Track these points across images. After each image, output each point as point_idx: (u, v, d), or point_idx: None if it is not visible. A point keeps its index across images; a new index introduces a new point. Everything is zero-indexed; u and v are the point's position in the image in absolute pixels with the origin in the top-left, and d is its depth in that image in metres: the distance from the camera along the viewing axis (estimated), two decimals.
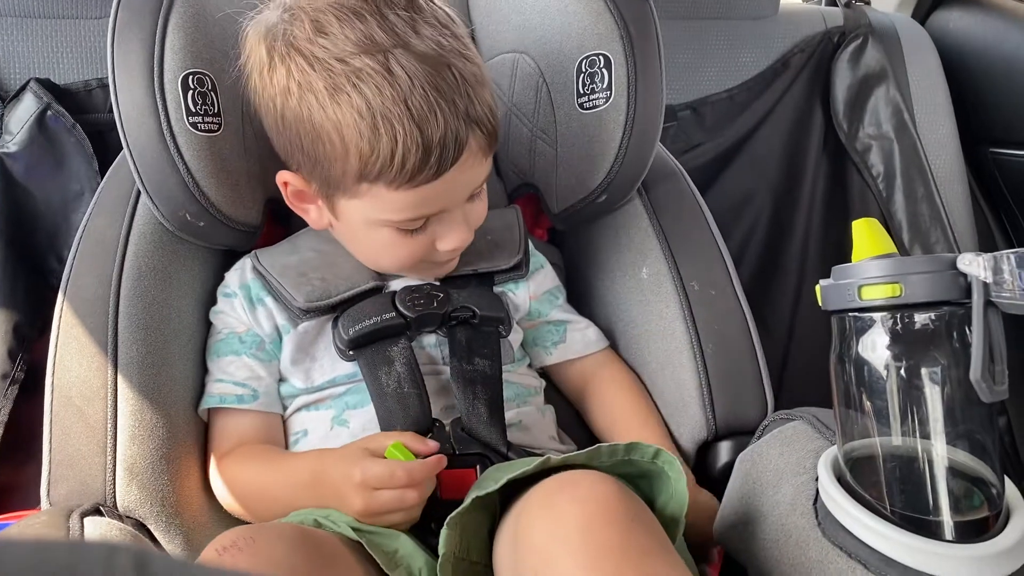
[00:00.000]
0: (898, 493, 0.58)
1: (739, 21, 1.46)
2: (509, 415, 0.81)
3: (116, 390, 0.78)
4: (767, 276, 1.44)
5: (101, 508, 0.74)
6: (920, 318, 0.58)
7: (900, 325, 0.58)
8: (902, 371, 0.58)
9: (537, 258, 0.96)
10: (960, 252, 0.57)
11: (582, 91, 0.93)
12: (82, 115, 1.11)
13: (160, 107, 0.79)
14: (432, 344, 0.85)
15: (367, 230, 0.80)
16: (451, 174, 0.73)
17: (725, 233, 0.97)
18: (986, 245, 1.50)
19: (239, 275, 0.88)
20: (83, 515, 0.70)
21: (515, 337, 0.90)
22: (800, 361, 1.42)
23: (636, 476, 0.66)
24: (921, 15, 1.59)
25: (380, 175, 0.72)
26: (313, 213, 0.84)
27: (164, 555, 0.20)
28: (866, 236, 0.62)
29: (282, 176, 0.82)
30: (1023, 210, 1.47)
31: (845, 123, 1.45)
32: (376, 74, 0.70)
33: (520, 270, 0.91)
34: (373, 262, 0.86)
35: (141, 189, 0.83)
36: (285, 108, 0.75)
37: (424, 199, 0.75)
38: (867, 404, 0.60)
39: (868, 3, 1.57)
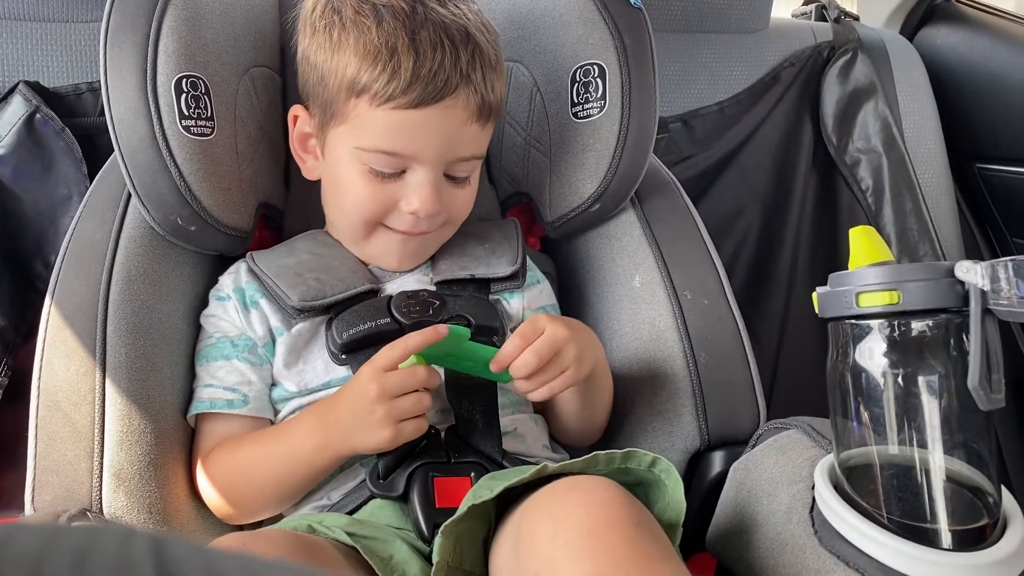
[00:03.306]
0: (895, 501, 0.58)
1: (730, 35, 1.47)
2: (504, 422, 0.81)
3: (104, 395, 0.76)
4: (757, 288, 1.44)
5: (88, 513, 0.72)
6: (917, 325, 0.58)
7: (897, 332, 0.58)
8: (899, 379, 0.58)
9: (535, 274, 0.96)
10: None
11: (576, 100, 0.93)
12: (71, 119, 1.09)
13: (153, 110, 0.79)
14: None
15: (346, 167, 0.82)
16: (431, 114, 0.77)
17: (715, 245, 0.97)
18: (973, 259, 1.51)
19: (233, 278, 0.87)
20: (70, 520, 0.69)
21: None
22: (789, 372, 1.42)
23: (632, 484, 0.65)
24: (909, 31, 1.61)
25: (365, 88, 0.77)
26: (310, 163, 0.89)
27: (182, 539, 0.19)
28: (863, 244, 0.62)
29: (294, 110, 0.88)
30: (1009, 225, 1.48)
31: (834, 137, 1.46)
32: (400, 11, 0.78)
33: (516, 280, 0.91)
34: (343, 211, 0.86)
35: (132, 192, 0.82)
36: (314, 36, 0.82)
37: (399, 129, 0.78)
38: (864, 412, 0.60)
39: (857, 19, 1.59)
